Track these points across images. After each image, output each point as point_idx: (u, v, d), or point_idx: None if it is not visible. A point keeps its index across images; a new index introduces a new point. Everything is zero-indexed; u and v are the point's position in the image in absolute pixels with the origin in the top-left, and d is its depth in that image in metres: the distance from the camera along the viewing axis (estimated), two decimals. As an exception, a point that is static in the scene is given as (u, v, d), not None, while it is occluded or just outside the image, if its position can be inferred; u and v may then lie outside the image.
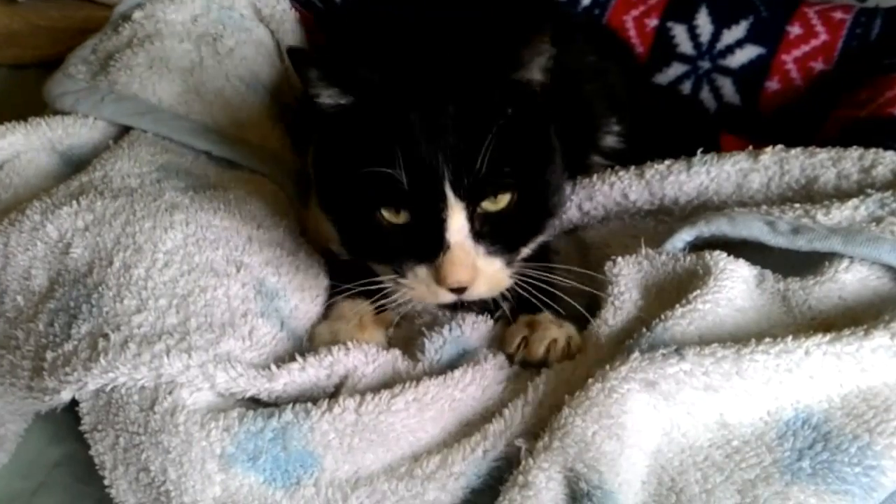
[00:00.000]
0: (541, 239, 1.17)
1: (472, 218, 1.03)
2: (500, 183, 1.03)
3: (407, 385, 1.04)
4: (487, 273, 1.06)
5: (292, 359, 1.06)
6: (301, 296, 1.20)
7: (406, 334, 1.20)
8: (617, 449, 0.93)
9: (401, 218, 1.04)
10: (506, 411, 1.02)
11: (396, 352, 1.12)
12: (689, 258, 1.11)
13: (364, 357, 1.09)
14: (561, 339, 1.11)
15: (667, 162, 1.27)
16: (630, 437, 0.94)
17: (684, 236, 1.15)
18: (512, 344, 1.13)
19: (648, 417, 0.96)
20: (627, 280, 1.13)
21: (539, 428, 0.99)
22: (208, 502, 0.94)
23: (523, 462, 0.95)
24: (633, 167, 1.30)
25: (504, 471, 0.99)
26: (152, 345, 1.01)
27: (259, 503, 0.95)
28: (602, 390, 0.96)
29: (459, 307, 1.18)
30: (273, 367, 1.04)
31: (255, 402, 1.05)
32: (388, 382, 1.07)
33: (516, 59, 1.07)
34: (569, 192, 1.26)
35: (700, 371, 0.95)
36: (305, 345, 1.17)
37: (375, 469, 0.99)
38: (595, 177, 1.32)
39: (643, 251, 1.15)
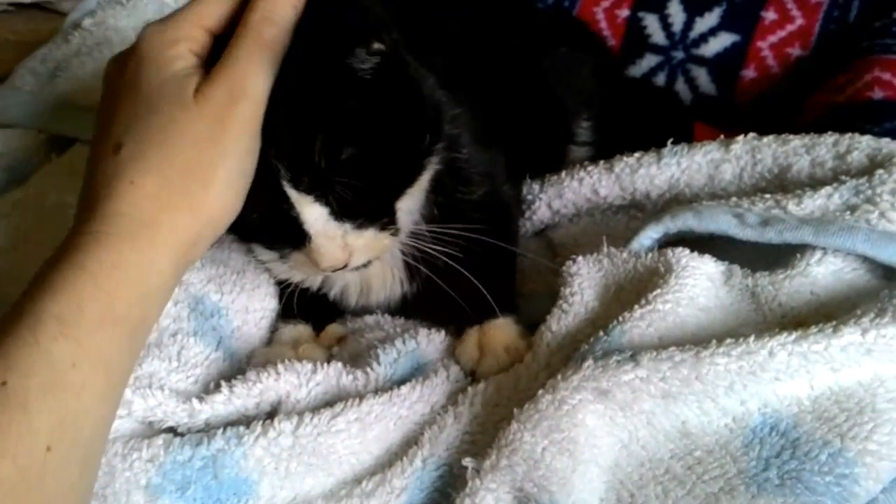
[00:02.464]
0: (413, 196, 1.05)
1: (328, 203, 0.94)
2: (345, 171, 0.94)
3: (349, 404, 0.98)
4: (361, 244, 0.98)
5: (226, 380, 1.00)
6: (244, 318, 1.14)
7: (355, 349, 1.14)
8: (569, 465, 0.86)
9: (258, 215, 0.97)
10: (437, 417, 0.98)
11: (338, 366, 1.05)
12: (650, 256, 1.04)
13: (297, 379, 1.01)
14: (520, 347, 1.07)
15: (636, 154, 1.21)
16: (583, 452, 0.87)
17: (651, 233, 1.08)
18: (466, 364, 1.08)
19: (604, 430, 0.89)
20: (582, 280, 1.06)
21: (486, 444, 0.93)
22: None
23: (470, 483, 0.88)
24: (602, 161, 1.24)
25: (450, 488, 0.93)
26: None
27: None
28: (552, 402, 0.89)
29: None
30: (195, 401, 0.96)
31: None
32: (330, 401, 1.01)
33: (344, 49, 0.96)
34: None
35: (657, 377, 0.88)
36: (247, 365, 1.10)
37: (315, 494, 0.94)
38: (564, 173, 1.26)
39: (605, 249, 1.09)
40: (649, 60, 1.58)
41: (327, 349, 1.16)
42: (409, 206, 1.03)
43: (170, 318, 1.05)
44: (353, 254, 0.98)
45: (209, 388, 1.00)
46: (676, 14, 1.55)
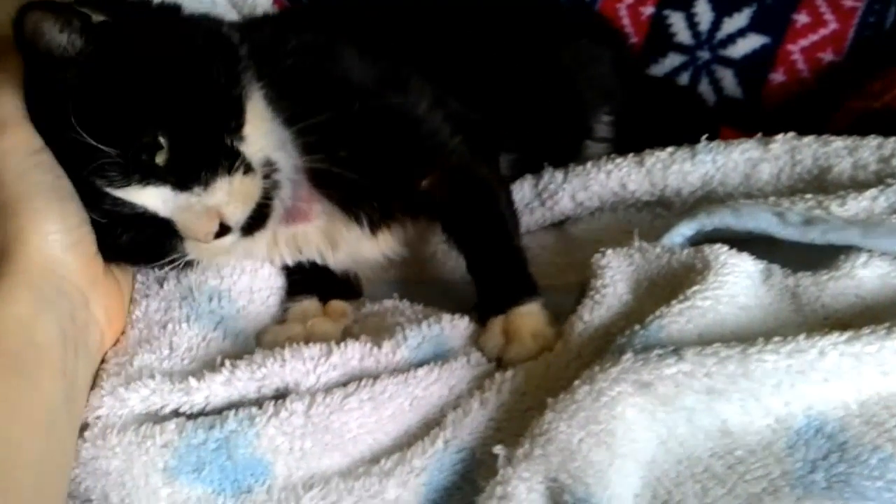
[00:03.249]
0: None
1: (164, 180, 0.94)
2: (161, 147, 0.93)
3: (363, 383, 0.96)
4: (222, 198, 0.96)
5: (231, 361, 0.98)
6: (249, 297, 1.13)
7: (376, 331, 1.09)
8: (606, 459, 0.83)
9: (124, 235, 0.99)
10: (462, 401, 0.95)
11: (358, 346, 1.01)
12: (685, 252, 1.01)
13: (303, 366, 0.98)
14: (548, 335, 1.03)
15: (669, 149, 1.19)
16: (621, 445, 0.84)
17: (683, 230, 1.06)
18: (492, 352, 1.04)
19: (643, 424, 0.86)
20: (615, 273, 1.02)
21: (513, 431, 0.90)
22: None
23: (502, 471, 0.85)
24: (631, 154, 1.21)
25: (472, 474, 0.91)
26: None
27: None
28: (589, 393, 0.86)
29: None
30: (192, 379, 0.95)
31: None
32: (345, 382, 0.98)
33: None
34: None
35: (702, 372, 0.84)
36: (257, 343, 1.10)
37: (331, 472, 0.92)
38: (590, 164, 1.23)
39: (636, 243, 1.05)
40: (673, 60, 1.55)
41: (337, 323, 1.14)
42: (260, 141, 1.01)
43: (160, 312, 1.05)
44: (224, 211, 0.96)
45: (214, 367, 0.98)
46: (704, 13, 1.52)
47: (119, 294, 1.03)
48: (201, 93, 0.96)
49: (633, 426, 0.85)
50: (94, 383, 0.96)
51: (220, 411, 0.96)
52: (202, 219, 0.95)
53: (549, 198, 1.24)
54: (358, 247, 1.15)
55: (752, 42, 1.49)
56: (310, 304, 1.16)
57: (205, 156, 0.95)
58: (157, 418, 0.94)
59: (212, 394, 0.96)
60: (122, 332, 1.03)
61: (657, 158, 1.18)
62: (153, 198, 0.94)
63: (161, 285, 1.07)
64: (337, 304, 1.18)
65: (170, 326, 1.04)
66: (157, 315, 1.05)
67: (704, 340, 0.89)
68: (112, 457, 0.90)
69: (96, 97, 0.92)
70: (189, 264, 1.03)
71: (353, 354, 1.00)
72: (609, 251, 1.05)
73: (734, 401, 0.85)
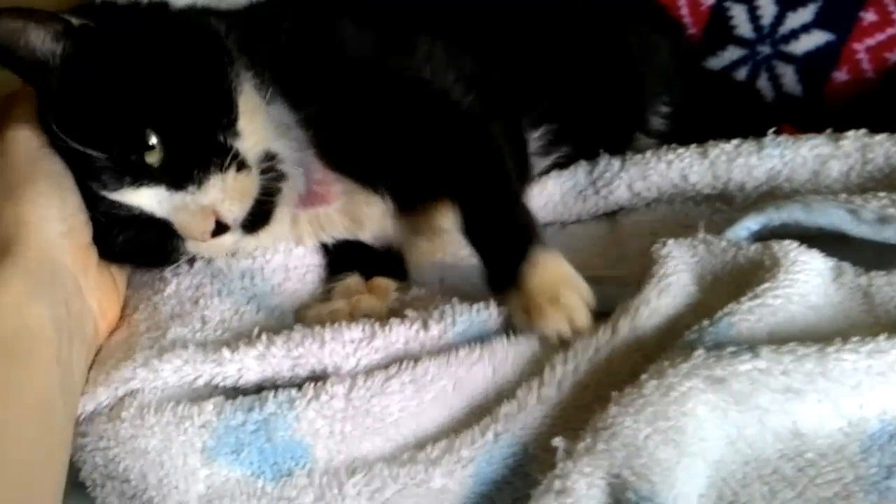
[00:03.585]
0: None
1: (158, 180, 0.94)
2: (153, 147, 0.93)
3: (403, 366, 0.94)
4: (216, 196, 0.95)
5: (258, 338, 0.97)
6: (285, 275, 1.11)
7: (425, 306, 1.06)
8: (674, 457, 0.80)
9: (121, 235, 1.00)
10: (519, 392, 0.91)
11: (400, 328, 0.98)
12: (753, 247, 0.97)
13: (343, 349, 0.96)
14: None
15: (734, 141, 1.14)
16: (691, 444, 0.81)
17: (749, 223, 1.02)
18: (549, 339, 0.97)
19: (715, 423, 0.82)
20: (678, 263, 0.98)
21: (569, 426, 0.88)
22: (193, 502, 0.87)
23: (561, 464, 0.82)
24: (694, 145, 1.17)
25: (525, 468, 0.89)
26: (104, 364, 0.95)
27: (247, 496, 0.88)
28: (658, 388, 0.83)
29: None
30: (225, 350, 0.94)
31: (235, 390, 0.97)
32: (387, 364, 0.96)
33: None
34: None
35: (778, 370, 0.81)
36: (298, 318, 1.08)
37: (373, 458, 0.91)
38: (649, 153, 1.19)
39: (700, 235, 1.01)
40: (732, 53, 1.50)
41: (382, 300, 1.11)
42: (258, 134, 1.00)
43: (190, 288, 1.04)
44: (219, 209, 0.95)
45: (250, 340, 0.97)
46: (767, 6, 1.46)
47: (113, 289, 1.03)
48: (188, 90, 0.95)
49: (703, 424, 0.82)
50: (126, 356, 0.95)
51: (256, 388, 0.95)
52: (197, 218, 0.95)
53: (604, 186, 1.20)
54: (382, 224, 1.13)
55: (815, 39, 1.44)
56: (353, 280, 1.13)
57: (196, 154, 0.95)
58: (194, 396, 0.93)
59: (244, 367, 0.95)
60: (116, 328, 1.02)
61: (722, 150, 1.14)
62: (148, 199, 0.95)
63: (191, 264, 1.06)
64: (381, 281, 1.14)
65: (201, 301, 1.03)
66: (188, 292, 1.04)
67: (775, 339, 0.86)
68: (150, 436, 0.89)
69: (80, 101, 0.93)
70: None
71: (398, 338, 0.98)
72: (670, 241, 1.00)
73: (810, 401, 0.82)
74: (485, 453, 0.88)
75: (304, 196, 1.08)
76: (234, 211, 0.97)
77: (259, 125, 1.00)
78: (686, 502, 0.79)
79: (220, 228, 0.96)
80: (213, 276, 1.06)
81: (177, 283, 1.05)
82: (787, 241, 0.96)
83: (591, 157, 1.24)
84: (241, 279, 1.07)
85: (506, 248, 0.99)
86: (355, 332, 0.97)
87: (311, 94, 1.03)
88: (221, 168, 0.95)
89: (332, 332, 0.97)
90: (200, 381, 0.95)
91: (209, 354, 0.94)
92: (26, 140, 0.95)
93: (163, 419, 0.90)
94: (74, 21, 0.95)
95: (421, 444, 0.91)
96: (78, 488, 0.94)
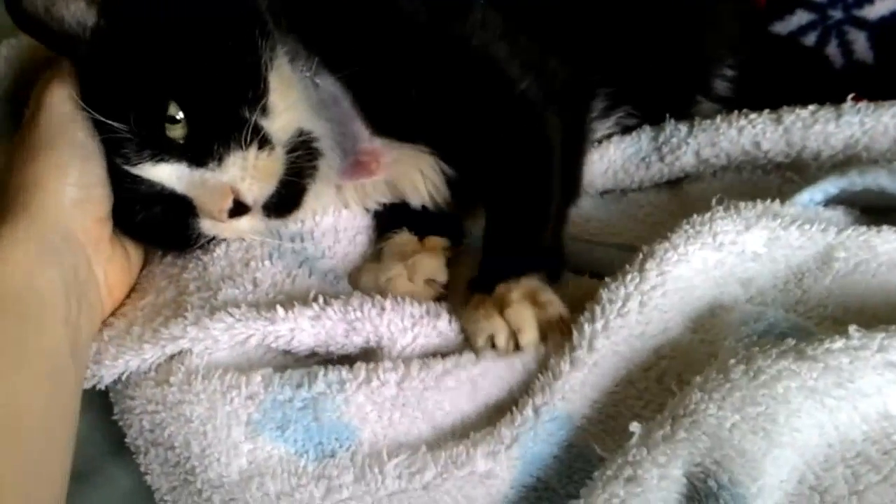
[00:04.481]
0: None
1: (180, 156, 0.92)
2: (176, 119, 0.91)
3: (462, 361, 0.92)
4: (236, 174, 0.92)
5: (315, 300, 0.95)
6: (335, 237, 1.10)
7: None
8: (762, 448, 0.75)
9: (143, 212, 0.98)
10: (551, 360, 0.89)
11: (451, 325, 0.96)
12: (833, 234, 0.93)
13: (401, 322, 0.94)
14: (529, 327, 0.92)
15: (810, 108, 1.08)
16: (782, 434, 0.76)
17: (829, 187, 0.98)
18: (477, 338, 0.94)
19: (809, 411, 0.77)
20: (728, 223, 0.93)
21: (615, 391, 0.88)
22: (234, 476, 0.87)
23: (634, 450, 0.77)
24: (766, 111, 1.10)
25: (573, 444, 0.87)
26: (152, 321, 0.95)
27: (288, 474, 0.87)
28: (746, 372, 0.78)
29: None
30: (279, 308, 0.93)
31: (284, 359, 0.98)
32: (441, 349, 0.95)
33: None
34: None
35: (874, 346, 0.77)
36: (352, 281, 1.08)
37: (419, 442, 0.89)
38: (719, 119, 1.12)
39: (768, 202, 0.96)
40: (800, 18, 1.43)
41: (440, 258, 1.08)
42: (291, 112, 0.97)
43: (240, 250, 1.02)
44: (239, 188, 0.92)
45: (306, 302, 0.95)
46: (839, -32, 1.41)
47: (125, 266, 1.01)
48: (214, 64, 0.92)
49: (798, 413, 0.77)
50: (176, 314, 0.95)
51: (307, 358, 0.96)
52: (215, 196, 0.92)
53: (669, 152, 1.14)
54: (430, 191, 1.09)
55: (889, 4, 1.36)
56: (403, 238, 1.10)
57: (219, 130, 0.92)
58: (243, 366, 0.92)
59: (297, 327, 0.93)
60: (122, 303, 1.00)
61: (797, 117, 1.08)
62: (168, 174, 0.92)
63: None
64: (435, 240, 1.11)
65: (252, 264, 1.00)
66: (237, 254, 1.02)
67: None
68: (196, 402, 0.88)
69: (105, 72, 0.92)
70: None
71: (446, 329, 0.96)
72: (739, 203, 0.96)
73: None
74: (527, 430, 0.85)
75: (350, 167, 1.04)
76: (255, 191, 0.93)
77: (293, 102, 0.97)
78: (769, 494, 0.75)
79: (240, 209, 0.93)
80: (263, 238, 1.02)
81: (225, 246, 1.02)
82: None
83: (653, 122, 1.19)
84: (292, 242, 1.05)
85: (507, 263, 0.97)
86: (417, 308, 0.95)
87: (360, 60, 0.99)
88: (242, 145, 0.92)
89: (394, 303, 0.95)
90: (252, 341, 0.93)
91: (262, 313, 0.93)
92: (58, 104, 0.93)
93: (210, 386, 0.89)
94: None
95: (466, 430, 0.89)
96: (117, 456, 0.97)
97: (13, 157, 0.94)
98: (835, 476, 0.77)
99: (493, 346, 0.92)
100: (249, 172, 0.92)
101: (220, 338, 0.92)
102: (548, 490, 0.87)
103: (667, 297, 0.89)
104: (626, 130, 1.20)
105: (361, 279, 1.05)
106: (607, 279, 0.91)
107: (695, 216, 0.93)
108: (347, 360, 0.95)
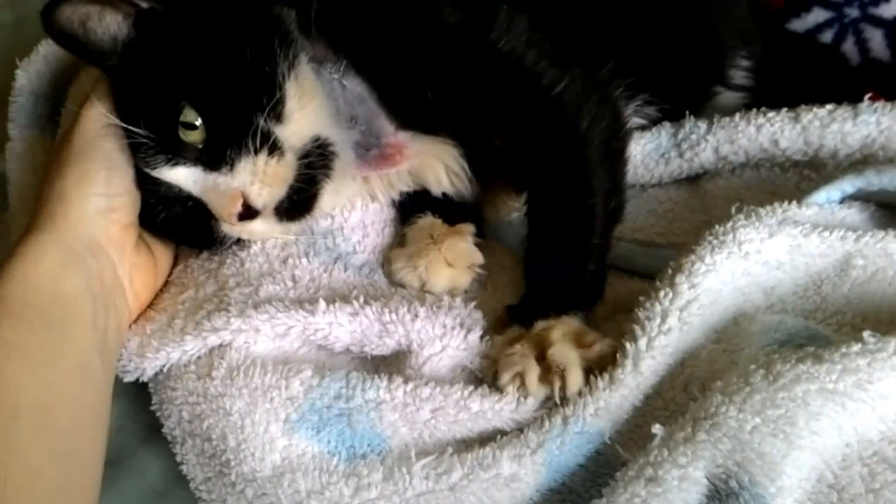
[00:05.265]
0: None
1: (195, 161, 0.94)
2: (192, 124, 0.93)
3: (503, 402, 0.90)
4: (245, 180, 0.94)
5: (355, 298, 0.97)
6: (364, 231, 1.10)
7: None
8: (781, 450, 0.76)
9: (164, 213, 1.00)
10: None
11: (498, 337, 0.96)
12: (852, 236, 0.93)
13: (431, 330, 0.95)
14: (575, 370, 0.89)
15: (828, 106, 1.07)
16: (801, 436, 0.76)
17: (846, 186, 0.98)
18: (504, 373, 0.91)
19: (829, 415, 0.77)
20: (750, 231, 0.93)
21: (656, 413, 0.86)
22: (267, 471, 0.88)
23: (655, 451, 0.78)
24: (784, 109, 1.10)
25: (603, 457, 0.87)
26: (195, 315, 0.97)
27: (319, 472, 0.87)
28: (766, 376, 0.78)
29: None
30: (322, 302, 0.95)
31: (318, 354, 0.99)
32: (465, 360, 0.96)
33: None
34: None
35: (891, 348, 0.77)
36: (386, 271, 1.08)
37: (446, 444, 0.90)
38: (737, 116, 1.11)
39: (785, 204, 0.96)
40: (817, 15, 1.42)
41: (469, 241, 1.09)
42: (308, 118, 0.98)
43: (276, 247, 1.03)
44: (248, 192, 0.94)
45: (347, 298, 0.97)
46: (855, -34, 1.41)
47: (152, 270, 1.02)
48: (229, 72, 0.94)
49: (818, 415, 0.77)
50: (219, 307, 0.96)
51: (340, 355, 0.98)
52: (225, 199, 0.93)
53: (689, 148, 1.13)
54: (453, 182, 1.09)
55: None
56: (426, 221, 1.11)
57: (232, 136, 0.93)
58: (284, 372, 0.92)
59: (336, 322, 0.95)
60: (144, 314, 1.02)
61: (815, 115, 1.07)
62: (184, 177, 0.95)
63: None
64: (464, 226, 1.11)
65: (290, 261, 1.02)
66: (275, 251, 1.03)
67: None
68: (237, 397, 0.90)
69: (130, 79, 0.95)
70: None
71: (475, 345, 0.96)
72: (759, 209, 0.96)
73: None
74: (553, 438, 0.85)
75: (374, 159, 1.05)
76: (264, 195, 0.94)
77: (313, 109, 0.99)
78: (789, 494, 0.76)
79: (250, 213, 0.95)
80: (297, 235, 1.04)
81: (262, 242, 1.04)
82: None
83: (671, 116, 1.18)
84: (324, 239, 1.06)
85: (551, 298, 0.96)
86: (450, 318, 0.96)
87: (392, 61, 1.00)
88: (253, 151, 0.93)
89: (428, 310, 0.96)
90: (293, 333, 0.95)
91: (304, 305, 0.94)
92: (92, 119, 0.96)
93: (251, 383, 0.90)
94: (144, 4, 0.96)
95: (493, 437, 0.89)
96: (149, 443, 1.00)
97: (46, 171, 0.98)
98: (852, 475, 0.77)
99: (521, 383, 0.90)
100: (259, 177, 0.94)
101: (262, 327, 0.94)
102: (572, 493, 0.87)
103: (702, 309, 0.88)
104: (645, 128, 1.20)
105: (393, 266, 1.06)
106: (641, 298, 0.90)
107: (717, 226, 0.92)
108: (384, 362, 0.98)
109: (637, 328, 0.87)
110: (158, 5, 0.97)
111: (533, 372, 0.88)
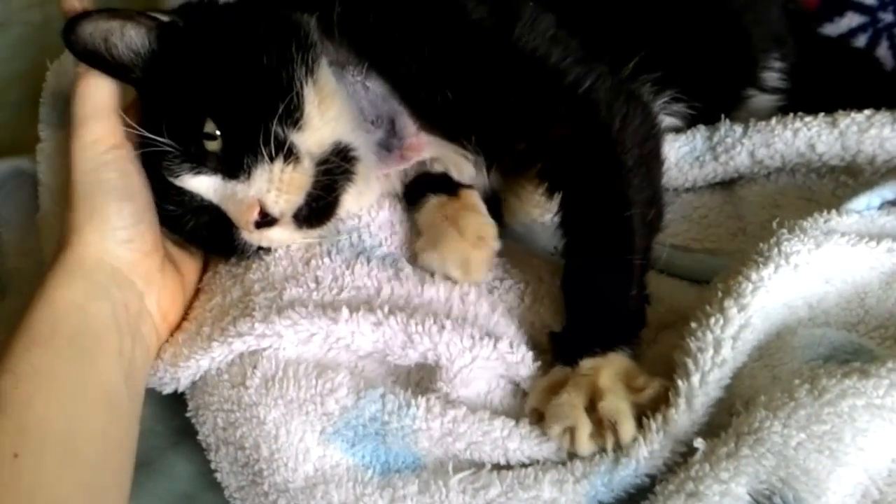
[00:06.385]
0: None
1: (215, 169, 0.94)
2: (212, 135, 0.94)
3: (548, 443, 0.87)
4: (262, 188, 0.93)
5: (379, 307, 0.95)
6: (391, 229, 1.08)
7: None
8: (827, 467, 0.73)
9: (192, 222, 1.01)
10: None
11: (528, 354, 0.94)
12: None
13: (460, 343, 0.91)
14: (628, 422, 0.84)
15: (866, 112, 1.05)
16: (848, 452, 0.73)
17: (886, 192, 0.96)
18: (553, 425, 0.86)
19: (877, 428, 0.74)
20: (794, 245, 0.88)
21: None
22: (299, 482, 0.87)
23: (697, 466, 0.75)
24: (822, 114, 1.07)
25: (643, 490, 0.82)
26: (221, 321, 0.97)
27: (353, 483, 0.87)
28: (811, 392, 0.75)
29: None
30: (345, 309, 0.93)
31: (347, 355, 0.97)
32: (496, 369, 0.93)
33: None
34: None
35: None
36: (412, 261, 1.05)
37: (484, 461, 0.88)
38: (774, 120, 1.09)
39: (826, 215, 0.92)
40: (850, 20, 1.39)
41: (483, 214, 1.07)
42: (329, 126, 0.97)
43: (300, 249, 1.02)
44: (264, 200, 0.93)
45: (372, 308, 0.95)
46: (890, -30, 1.37)
47: (179, 289, 1.02)
48: (247, 81, 0.94)
49: (865, 431, 0.74)
50: (244, 313, 0.96)
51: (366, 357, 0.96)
52: (242, 207, 0.93)
53: (724, 152, 1.11)
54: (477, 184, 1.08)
55: None
56: (433, 201, 1.08)
57: (249, 144, 0.92)
58: (319, 387, 0.91)
59: (358, 331, 0.93)
60: (178, 327, 1.01)
61: (853, 121, 1.04)
62: (205, 186, 0.95)
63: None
64: (467, 192, 1.09)
65: (313, 262, 1.01)
66: (298, 253, 1.02)
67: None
68: (273, 407, 0.89)
69: (155, 91, 0.96)
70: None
71: (524, 359, 0.93)
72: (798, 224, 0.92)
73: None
74: (602, 474, 0.82)
75: (395, 157, 1.05)
76: (281, 203, 0.94)
77: (334, 114, 0.98)
78: (834, 508, 0.72)
79: (268, 221, 0.94)
80: (322, 235, 1.02)
81: (285, 247, 1.02)
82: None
83: (703, 119, 1.16)
84: (349, 237, 1.04)
85: (594, 333, 0.91)
86: (476, 329, 0.93)
87: (417, 62, 0.99)
88: (269, 159, 0.92)
89: (454, 322, 0.93)
90: (315, 340, 0.94)
91: (327, 311, 0.93)
92: (91, 146, 0.95)
93: (287, 395, 0.90)
94: (164, 18, 0.97)
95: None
96: (178, 447, 1.01)
97: (66, 195, 0.97)
98: (898, 491, 0.73)
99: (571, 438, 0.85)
100: (275, 185, 0.93)
101: (285, 334, 0.92)
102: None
103: (754, 333, 0.84)
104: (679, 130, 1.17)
105: (423, 255, 1.04)
106: (692, 325, 0.86)
107: (760, 244, 0.89)
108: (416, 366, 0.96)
109: (689, 362, 0.82)
110: (179, 18, 0.98)
111: (584, 429, 0.83)
